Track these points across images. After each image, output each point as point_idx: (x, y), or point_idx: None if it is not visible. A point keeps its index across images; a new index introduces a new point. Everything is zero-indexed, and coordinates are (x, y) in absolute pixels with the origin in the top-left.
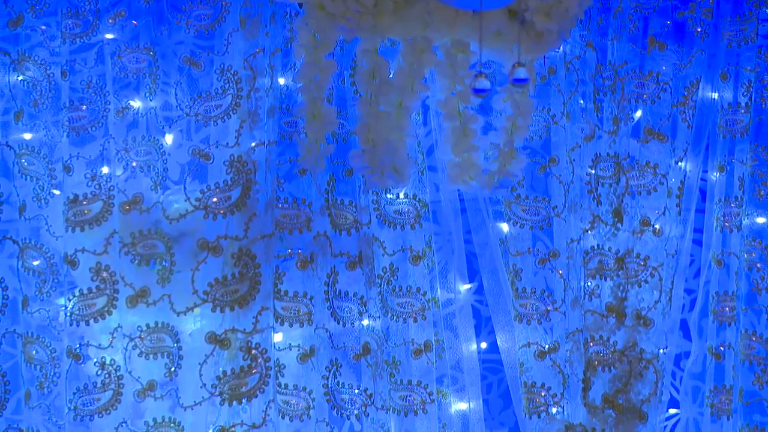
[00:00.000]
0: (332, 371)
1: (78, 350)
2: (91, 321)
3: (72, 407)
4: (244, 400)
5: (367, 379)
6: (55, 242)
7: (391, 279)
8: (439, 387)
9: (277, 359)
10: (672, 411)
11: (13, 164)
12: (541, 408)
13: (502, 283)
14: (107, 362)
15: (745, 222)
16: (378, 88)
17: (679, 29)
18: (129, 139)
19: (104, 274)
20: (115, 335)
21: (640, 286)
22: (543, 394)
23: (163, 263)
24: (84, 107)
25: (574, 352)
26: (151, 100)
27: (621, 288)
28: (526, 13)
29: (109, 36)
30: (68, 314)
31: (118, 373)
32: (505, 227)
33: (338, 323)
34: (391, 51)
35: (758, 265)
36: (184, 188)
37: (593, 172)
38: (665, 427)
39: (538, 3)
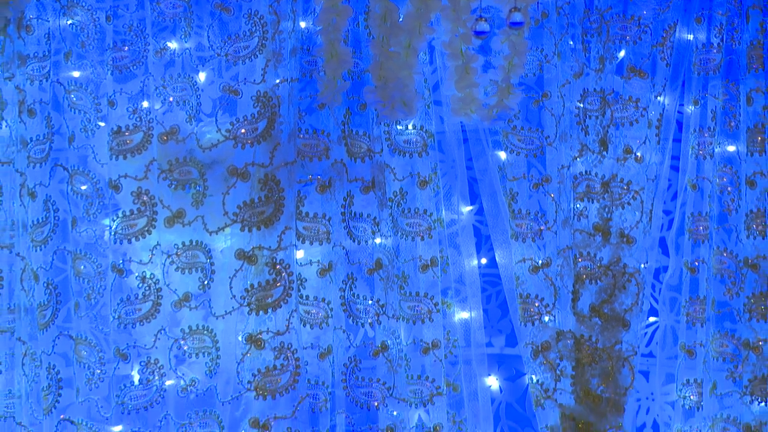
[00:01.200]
0: (348, 284)
1: (121, 266)
2: (133, 239)
3: (116, 316)
4: (269, 310)
5: (380, 291)
6: (101, 169)
7: (401, 202)
8: (444, 298)
9: (299, 273)
10: (652, 319)
11: (63, 99)
12: (535, 317)
13: (500, 205)
14: (147, 276)
15: (717, 150)
16: (389, 30)
17: None
18: (166, 76)
19: (144, 198)
20: (154, 252)
21: (623, 208)
22: (536, 304)
23: (197, 188)
24: (126, 48)
25: (565, 266)
26: (186, 42)
27: (606, 209)
28: None
29: None
30: (112, 233)
31: (157, 286)
32: (502, 155)
33: (354, 241)
34: None
35: (729, 188)
36: (216, 120)
37: (581, 105)
38: (645, 333)
39: None
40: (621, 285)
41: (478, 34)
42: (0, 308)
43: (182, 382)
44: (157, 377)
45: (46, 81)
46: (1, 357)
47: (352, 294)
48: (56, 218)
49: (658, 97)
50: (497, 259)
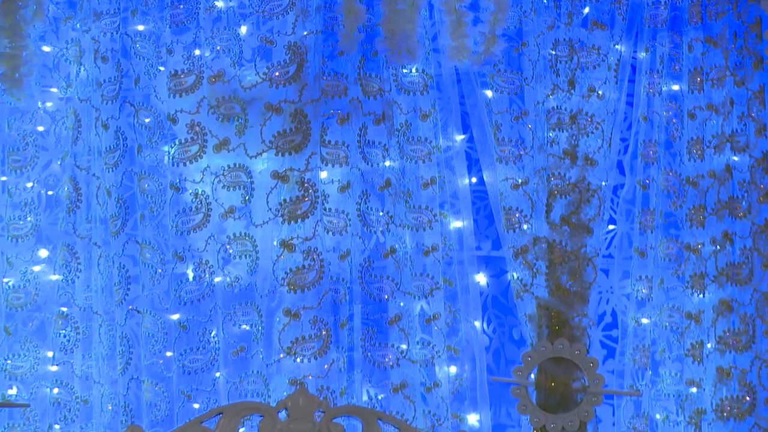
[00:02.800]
0: (363, 199)
1: (178, 184)
2: (187, 162)
3: (174, 225)
4: (299, 220)
5: (389, 204)
6: (161, 105)
7: (406, 131)
8: (441, 210)
9: (323, 190)
10: (611, 227)
11: (130, 48)
12: (516, 225)
13: (487, 134)
14: (199, 193)
15: (664, 89)
16: None
17: None
18: (214, 29)
19: (196, 128)
20: (204, 173)
21: (587, 136)
22: (517, 215)
23: (240, 120)
24: (181, 6)
25: (540, 184)
26: (230, 1)
27: (574, 137)
28: None
29: None
30: (170, 158)
31: (207, 201)
32: (489, 93)
33: (367, 164)
34: None
35: (673, 120)
36: (255, 65)
37: (554, 52)
38: (606, 238)
39: None
40: (586, 199)
41: None
42: (79, 219)
43: (228, 279)
44: (207, 275)
45: (117, 33)
46: (81, 259)
47: (366, 207)
48: (125, 145)
49: (616, 46)
50: (485, 178)
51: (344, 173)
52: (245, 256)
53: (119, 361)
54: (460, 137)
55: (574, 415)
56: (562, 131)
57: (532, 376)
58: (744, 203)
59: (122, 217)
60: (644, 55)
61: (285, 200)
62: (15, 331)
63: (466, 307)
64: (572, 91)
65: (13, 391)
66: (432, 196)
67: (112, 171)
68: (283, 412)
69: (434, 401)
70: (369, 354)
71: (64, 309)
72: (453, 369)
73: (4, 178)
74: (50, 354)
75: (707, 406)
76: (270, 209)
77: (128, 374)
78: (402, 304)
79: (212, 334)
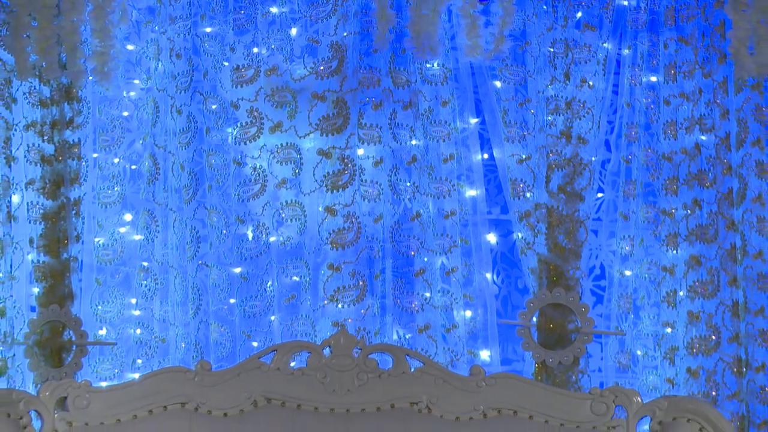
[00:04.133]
0: (393, 172)
1: (239, 160)
2: (247, 142)
3: (236, 194)
4: (340, 190)
5: (415, 176)
6: (225, 94)
7: (429, 116)
8: (458, 181)
9: (360, 165)
10: (599, 195)
11: (200, 47)
12: (520, 193)
13: (496, 118)
14: (257, 167)
15: (644, 80)
16: None
17: None
18: (269, 31)
19: (255, 113)
20: (261, 150)
21: (580, 119)
22: (521, 185)
23: (291, 107)
24: (242, 12)
25: (540, 159)
26: (282, 8)
27: (569, 120)
28: None
29: None
30: (233, 138)
31: (263, 174)
32: (498, 83)
33: (397, 143)
34: None
35: (651, 106)
36: (303, 61)
37: (552, 49)
38: (595, 204)
39: None
40: (578, 172)
41: (482, 1)
42: (158, 189)
43: (281, 239)
44: (264, 235)
45: (188, 35)
46: (159, 222)
47: (396, 178)
48: (195, 127)
49: (604, 44)
50: (494, 154)
51: (377, 150)
52: (295, 219)
53: (191, 306)
54: (474, 120)
55: (569, 352)
56: (559, 115)
57: (534, 319)
58: (710, 175)
59: (193, 187)
60: (627, 51)
61: (328, 173)
62: (104, 282)
63: (479, 262)
64: (567, 82)
65: (103, 332)
66: (450, 170)
67: (185, 149)
68: (327, 349)
69: (452, 340)
70: (398, 301)
71: (145, 263)
72: (468, 313)
73: (95, 155)
74: (133, 301)
75: (680, 344)
76: (316, 180)
77: (198, 318)
78: (426, 259)
79: (268, 285)
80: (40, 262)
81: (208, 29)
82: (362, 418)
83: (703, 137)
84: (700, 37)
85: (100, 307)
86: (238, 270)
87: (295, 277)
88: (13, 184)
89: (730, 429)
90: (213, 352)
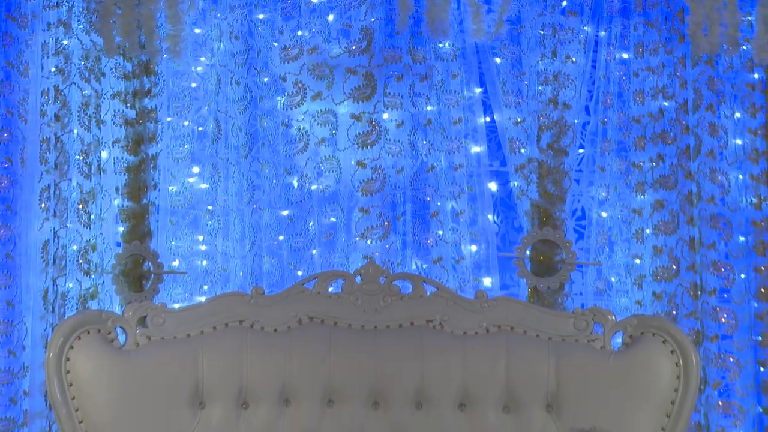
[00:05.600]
0: (412, 132)
1: (287, 122)
2: (293, 107)
3: (284, 151)
4: (369, 147)
5: (430, 135)
6: (275, 68)
7: (442, 86)
8: (465, 140)
9: (385, 126)
10: (580, 151)
11: (254, 30)
12: (516, 150)
13: (496, 88)
14: (301, 128)
15: (617, 56)
16: None
17: None
18: (311, 17)
19: (299, 85)
20: (305, 115)
21: (565, 88)
22: (517, 143)
23: (328, 79)
24: (288, 1)
25: (532, 122)
26: None
27: (555, 90)
28: None
29: None
30: (282, 105)
31: (306, 134)
32: (498, 60)
33: (415, 108)
34: None
35: (624, 78)
36: (339, 42)
37: (542, 32)
38: (577, 158)
39: None
40: (563, 132)
41: None
42: (220, 146)
43: (321, 187)
44: (306, 184)
45: (245, 20)
46: (221, 173)
47: (415, 138)
48: (250, 96)
49: (585, 27)
50: (495, 118)
51: (399, 115)
52: (332, 171)
53: (247, 242)
54: (478, 90)
55: (556, 279)
56: (548, 86)
57: (527, 252)
58: (671, 134)
59: (249, 145)
60: (603, 33)
61: (359, 133)
62: (176, 223)
63: (482, 206)
64: (555, 58)
65: (176, 263)
66: (459, 130)
67: (242, 114)
68: (358, 277)
69: (461, 269)
70: (416, 237)
71: (210, 207)
72: (473, 247)
73: (169, 119)
74: (200, 238)
75: (646, 272)
76: (349, 139)
77: (253, 251)
78: (439, 203)
79: (310, 225)
80: (124, 206)
81: (261, 16)
82: (387, 333)
83: (666, 103)
84: (663, 21)
85: (173, 243)
86: (285, 212)
87: (332, 219)
88: (102, 143)
89: (688, 341)
90: (265, 279)
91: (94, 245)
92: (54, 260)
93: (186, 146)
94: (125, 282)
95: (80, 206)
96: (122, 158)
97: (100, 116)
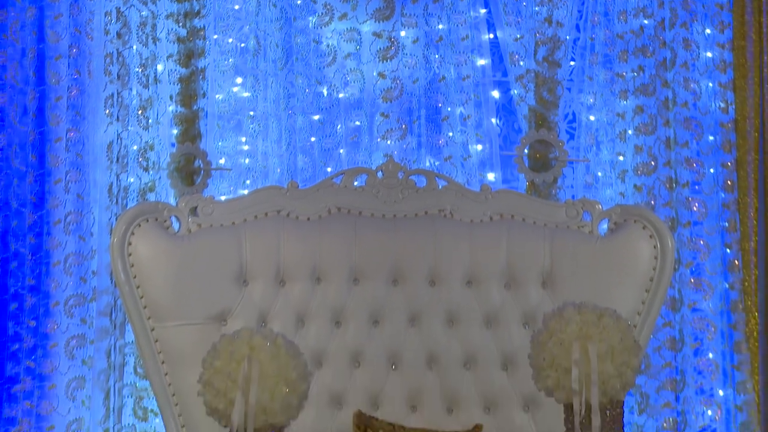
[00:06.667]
0: (426, 47)
1: (317, 39)
2: (323, 26)
3: (315, 64)
4: (389, 60)
5: (442, 50)
6: None
7: (451, 7)
8: (472, 54)
9: (402, 43)
10: (572, 63)
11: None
12: (516, 62)
13: (499, 9)
14: (330, 44)
15: (603, 22)
16: None
17: None
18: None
19: (328, 6)
20: (333, 33)
21: (558, 9)
22: (516, 56)
23: (353, 2)
24: None
25: (530, 38)
26: None
27: (550, 10)
28: None
29: None
30: (313, 24)
31: (334, 49)
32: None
33: (429, 27)
34: None
35: (608, 40)
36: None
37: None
38: (569, 70)
39: None
40: (557, 47)
41: None
42: (260, 60)
43: (347, 95)
44: (335, 93)
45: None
46: (261, 83)
47: (428, 52)
48: (286, 17)
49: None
50: (498, 34)
51: (415, 32)
52: (357, 81)
53: (284, 143)
54: (483, 10)
55: (550, 174)
56: (543, 6)
57: (526, 150)
58: (651, 48)
59: (284, 58)
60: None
61: (380, 48)
62: (222, 126)
63: (486, 111)
64: (549, 23)
65: (222, 161)
66: (467, 45)
67: (279, 32)
68: (380, 172)
69: (468, 166)
70: (430, 138)
71: (252, 113)
72: (479, 147)
73: (215, 36)
74: (243, 139)
75: (629, 168)
76: (371, 54)
77: (289, 151)
78: (449, 109)
79: (338, 127)
80: (177, 112)
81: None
82: (404, 221)
83: (646, 21)
84: None
85: (220, 144)
86: (316, 117)
87: (357, 122)
88: (157, 57)
89: (664, 227)
90: (299, 175)
91: (152, 145)
92: (117, 159)
93: (230, 60)
94: (179, 177)
95: (139, 112)
96: (175, 70)
97: (156, 34)
